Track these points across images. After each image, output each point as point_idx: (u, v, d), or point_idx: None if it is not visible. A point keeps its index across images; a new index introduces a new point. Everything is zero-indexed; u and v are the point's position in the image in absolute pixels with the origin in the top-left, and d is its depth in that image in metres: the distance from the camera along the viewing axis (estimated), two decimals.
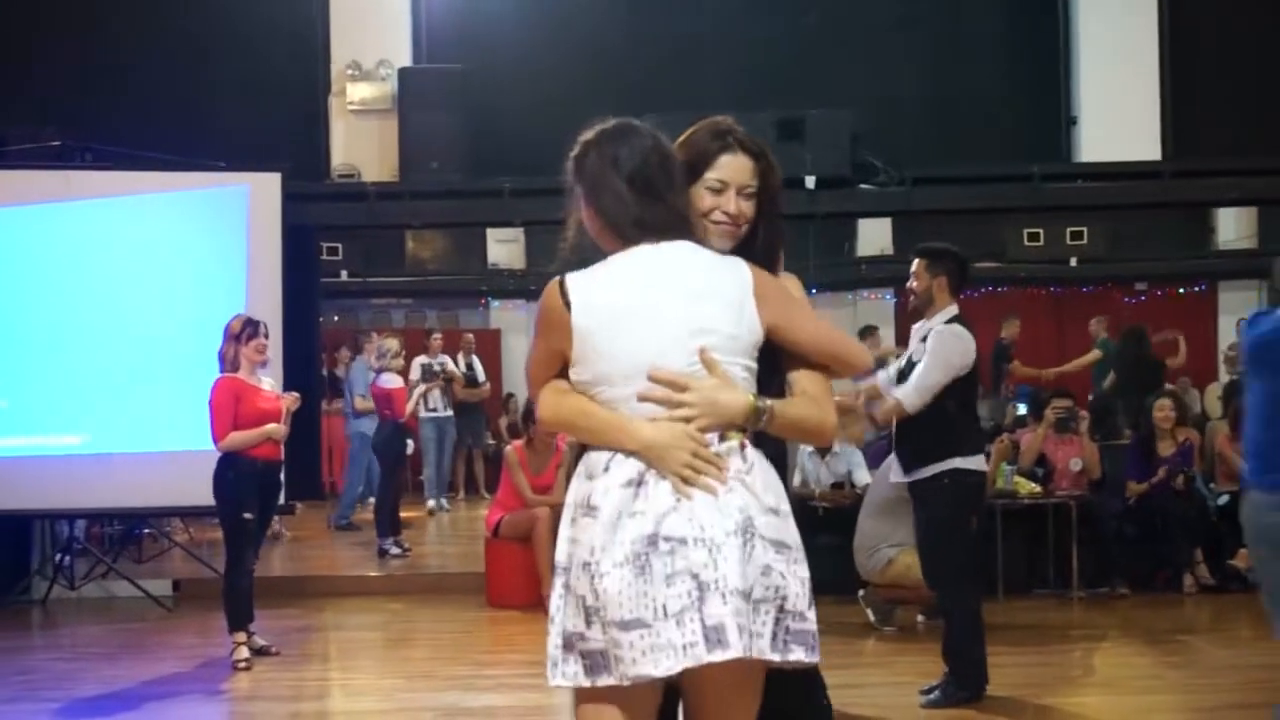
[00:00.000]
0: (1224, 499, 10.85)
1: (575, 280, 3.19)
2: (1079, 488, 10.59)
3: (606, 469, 3.13)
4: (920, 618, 9.41)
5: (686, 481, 3.05)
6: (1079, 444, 10.78)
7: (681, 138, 3.47)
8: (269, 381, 8.78)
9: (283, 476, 8.78)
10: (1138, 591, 10.44)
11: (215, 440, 8.35)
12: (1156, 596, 10.41)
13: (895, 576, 9.21)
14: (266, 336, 8.63)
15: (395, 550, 12.39)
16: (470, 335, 17.50)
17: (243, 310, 8.95)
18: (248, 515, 8.38)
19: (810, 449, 10.54)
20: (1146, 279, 19.23)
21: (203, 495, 8.66)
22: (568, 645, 3.12)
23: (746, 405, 3.15)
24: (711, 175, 3.42)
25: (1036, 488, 10.43)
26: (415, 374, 14.69)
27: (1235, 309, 18.86)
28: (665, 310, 3.13)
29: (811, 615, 3.14)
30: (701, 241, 3.27)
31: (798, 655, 3.10)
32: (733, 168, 3.45)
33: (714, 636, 2.96)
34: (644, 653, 2.98)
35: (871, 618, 9.38)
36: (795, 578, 3.12)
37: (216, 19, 13.37)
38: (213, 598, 9.16)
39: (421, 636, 9.34)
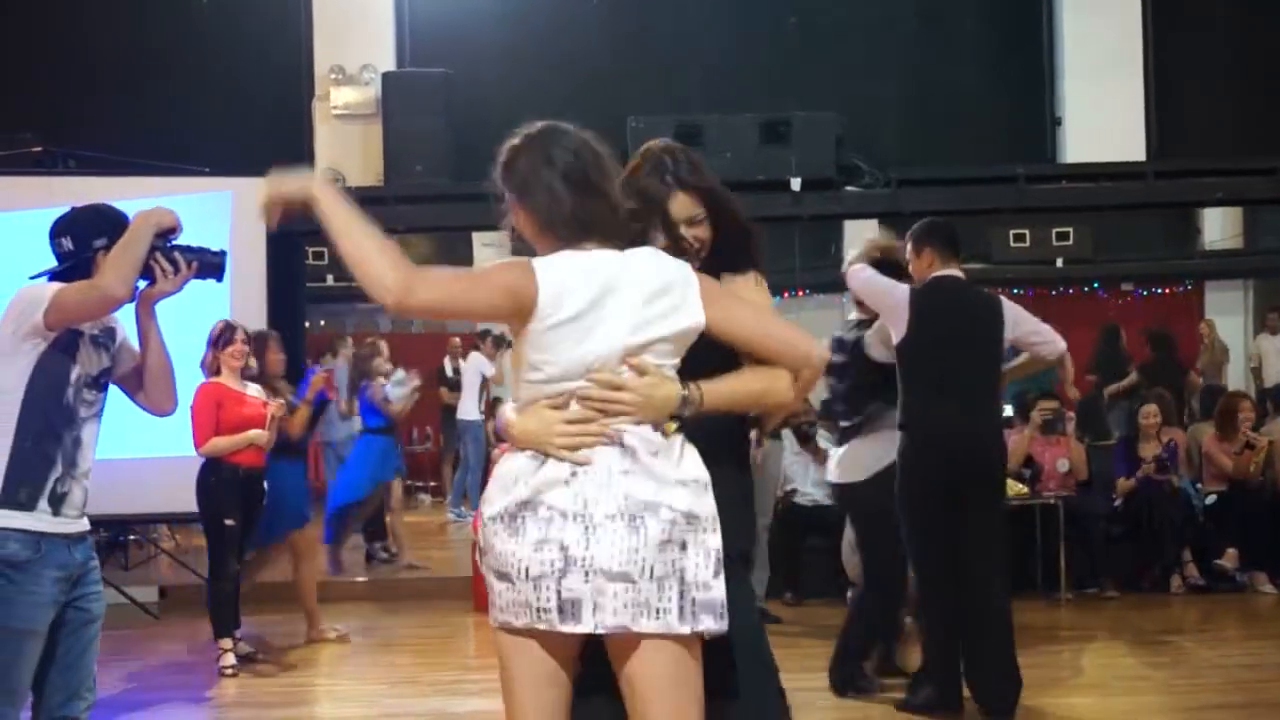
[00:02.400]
0: (1211, 499, 10.87)
1: (543, 271, 3.26)
2: (1066, 489, 10.59)
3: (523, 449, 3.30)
4: (908, 619, 9.39)
5: (571, 453, 3.21)
6: (1066, 445, 10.78)
7: (625, 173, 3.61)
8: (255, 388, 8.76)
9: (266, 484, 8.75)
10: (1125, 592, 10.45)
11: (196, 446, 8.33)
12: (1144, 597, 10.42)
13: None
14: (246, 342, 8.60)
15: (383, 555, 12.37)
16: (457, 339, 17.48)
17: (228, 316, 8.91)
18: (229, 521, 8.36)
19: (796, 450, 10.52)
20: (1133, 279, 19.27)
21: (188, 501, 8.65)
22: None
23: (675, 394, 3.28)
24: (670, 214, 3.62)
25: (1024, 489, 10.43)
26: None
27: (1222, 309, 18.92)
28: (610, 315, 3.23)
29: (718, 583, 3.23)
30: (643, 239, 3.40)
31: (707, 624, 3.23)
32: (678, 205, 3.65)
33: (568, 609, 3.17)
34: (508, 604, 3.25)
35: None
36: (700, 548, 3.21)
37: (198, 25, 13.32)
38: (199, 604, 9.14)
39: (407, 642, 9.32)
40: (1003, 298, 7.13)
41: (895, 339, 6.90)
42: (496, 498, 3.27)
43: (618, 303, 3.24)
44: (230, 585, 8.56)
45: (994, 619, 6.72)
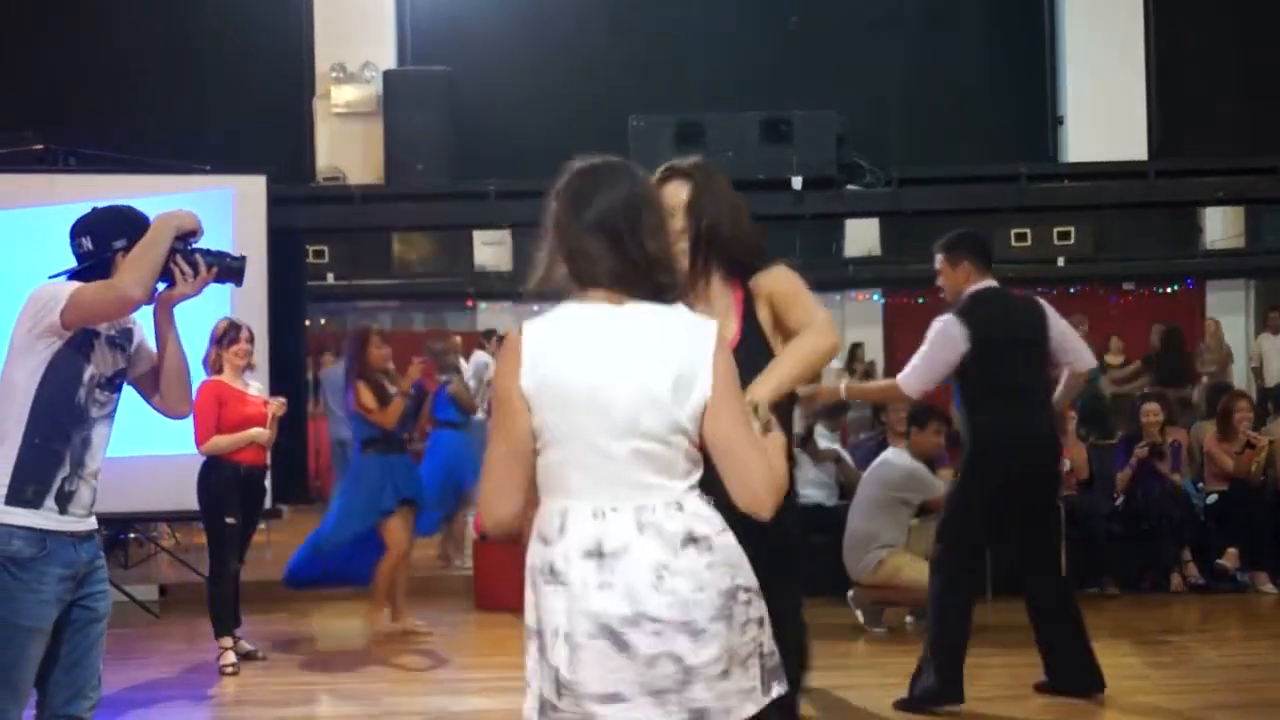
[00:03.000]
0: (1212, 499, 10.86)
1: (530, 344, 3.15)
2: (1068, 488, 10.57)
3: (562, 531, 3.12)
4: (909, 618, 9.39)
5: None
6: (1067, 445, 10.77)
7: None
8: (257, 385, 8.77)
9: (269, 482, 8.74)
10: (1126, 591, 10.44)
11: (197, 444, 8.33)
12: (1145, 596, 10.40)
13: (885, 577, 9.22)
14: (250, 340, 8.61)
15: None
16: (458, 338, 17.47)
17: (228, 314, 8.91)
18: (230, 520, 8.36)
19: (796, 450, 10.51)
20: (1134, 278, 19.28)
21: (189, 500, 8.64)
22: (543, 710, 3.16)
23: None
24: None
25: None
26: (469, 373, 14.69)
27: (1223, 308, 18.92)
28: (609, 392, 3.06)
29: (772, 645, 3.16)
30: (672, 295, 3.18)
31: (777, 690, 3.16)
32: (668, 193, 3.88)
33: (695, 717, 2.99)
34: None
35: (861, 619, 9.38)
36: (760, 617, 3.13)
37: (199, 23, 13.33)
38: (199, 603, 9.13)
39: (409, 640, 9.30)
40: (1041, 300, 7.31)
41: (950, 362, 6.95)
42: (575, 608, 3.09)
43: (604, 382, 3.10)
44: (231, 584, 8.55)
45: (1073, 608, 7.18)
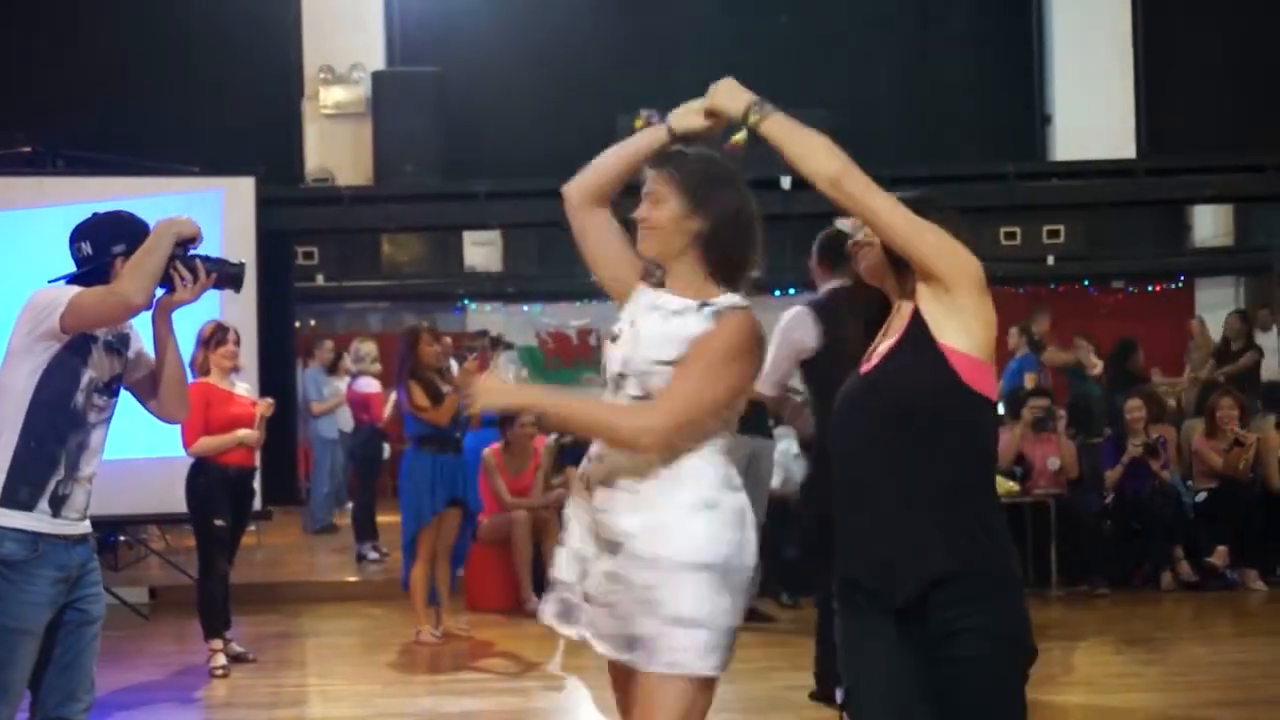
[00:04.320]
0: (1201, 497, 10.88)
1: None
2: (1057, 486, 10.60)
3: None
4: None
5: None
6: (1056, 443, 10.79)
7: None
8: (244, 387, 8.76)
9: (257, 483, 8.73)
10: (1116, 590, 10.45)
11: (185, 446, 8.32)
12: (1135, 594, 10.42)
13: None
14: (237, 343, 8.61)
15: (373, 555, 12.35)
16: (448, 339, 17.42)
17: (218, 316, 8.90)
18: (219, 521, 8.35)
19: (796, 451, 10.50)
20: (1123, 277, 19.27)
21: (178, 502, 8.63)
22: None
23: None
24: None
25: (1015, 486, 10.43)
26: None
27: (1212, 306, 18.92)
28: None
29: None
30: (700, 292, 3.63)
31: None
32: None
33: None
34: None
35: None
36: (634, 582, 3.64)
37: (188, 24, 13.31)
38: (190, 605, 9.12)
39: (399, 641, 9.29)
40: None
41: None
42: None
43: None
44: (221, 586, 8.54)
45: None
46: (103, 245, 4.49)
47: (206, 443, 8.33)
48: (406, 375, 9.19)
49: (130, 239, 4.45)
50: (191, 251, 4.45)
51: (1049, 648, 8.44)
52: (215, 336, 8.51)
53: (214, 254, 4.56)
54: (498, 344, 14.42)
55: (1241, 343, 15.12)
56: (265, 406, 8.59)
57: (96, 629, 4.48)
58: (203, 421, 8.25)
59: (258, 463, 8.84)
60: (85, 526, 4.44)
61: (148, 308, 4.40)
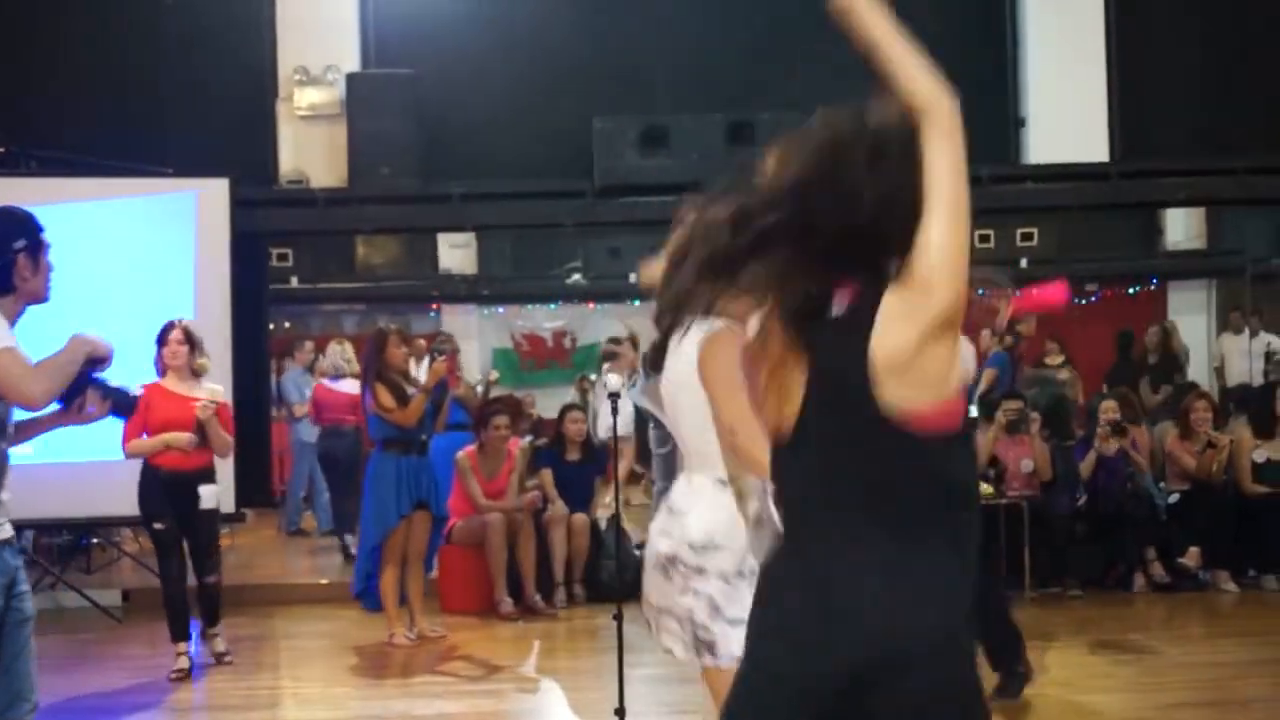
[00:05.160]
0: (1174, 498, 10.93)
1: None
2: (1031, 489, 10.63)
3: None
4: None
5: None
6: (1030, 445, 10.82)
7: None
8: (210, 388, 8.58)
9: (207, 486, 8.46)
10: (1089, 591, 10.49)
11: (122, 447, 8.29)
12: (1108, 596, 10.46)
13: None
14: (182, 342, 8.43)
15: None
16: (422, 341, 17.40)
17: (192, 318, 8.87)
18: (157, 525, 8.32)
19: None
20: (1097, 280, 19.33)
21: None
22: None
23: None
24: None
25: (988, 489, 10.46)
26: None
27: (1184, 309, 19.01)
28: None
29: (708, 622, 4.01)
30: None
31: (707, 659, 4.02)
32: None
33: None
34: None
35: None
36: (698, 590, 4.03)
37: (162, 26, 13.25)
38: (160, 607, 9.08)
39: (372, 644, 9.28)
40: None
41: None
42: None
43: None
44: (175, 588, 8.45)
45: None
46: (4, 242, 4.48)
47: (136, 445, 8.28)
48: (373, 377, 9.17)
49: (27, 235, 4.49)
50: (96, 374, 4.51)
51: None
52: (161, 336, 8.46)
53: (137, 392, 4.66)
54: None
55: (1157, 356, 15.22)
56: (202, 410, 8.33)
57: (32, 626, 4.51)
58: (141, 423, 8.16)
59: (213, 463, 8.59)
60: (10, 530, 4.48)
61: (36, 410, 4.51)
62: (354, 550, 12.21)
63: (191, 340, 8.51)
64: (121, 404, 4.60)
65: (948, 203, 2.69)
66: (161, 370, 8.44)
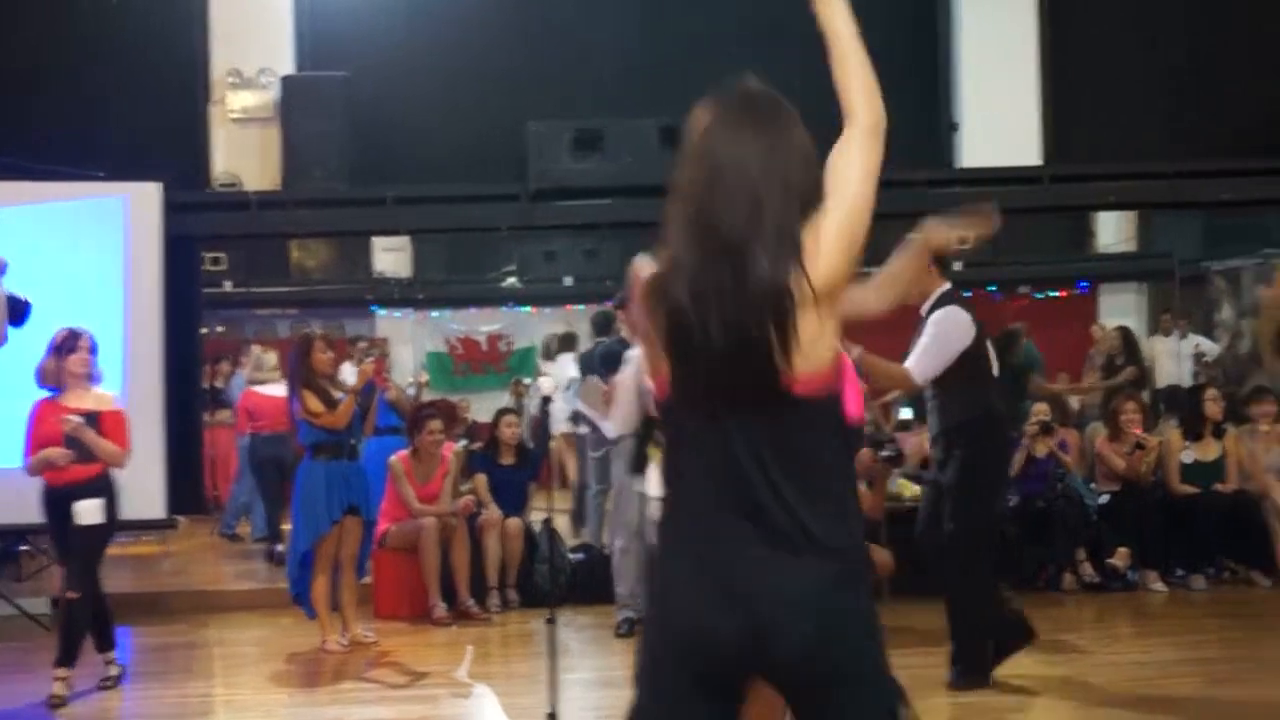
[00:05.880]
0: (1104, 499, 11.04)
1: None
2: None
3: None
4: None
5: None
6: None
7: None
8: (102, 395, 8.23)
9: (85, 501, 7.92)
10: (1020, 591, 10.56)
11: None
12: (1038, 596, 10.52)
13: None
14: (92, 350, 8.12)
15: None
16: (354, 344, 17.35)
17: (122, 323, 8.77)
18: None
19: None
20: (1029, 282, 19.53)
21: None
22: None
23: None
24: None
25: (921, 491, 10.54)
26: None
27: (1114, 311, 19.22)
28: None
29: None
30: None
31: None
32: None
33: None
34: None
35: None
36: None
37: (92, 27, 13.12)
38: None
39: (305, 650, 9.23)
40: None
41: (957, 352, 7.28)
42: None
43: None
44: (62, 605, 8.17)
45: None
46: None
47: (30, 462, 8.02)
48: (299, 383, 9.11)
49: None
50: None
51: None
52: (67, 343, 8.05)
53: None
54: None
55: (1123, 358, 15.37)
56: (67, 424, 7.91)
57: None
58: (33, 439, 7.97)
59: (101, 477, 8.07)
60: None
61: None
62: (284, 556, 12.18)
63: (95, 348, 8.19)
64: (15, 311, 4.54)
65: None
66: (52, 379, 8.08)
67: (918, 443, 10.86)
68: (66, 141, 12.10)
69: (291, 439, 12.93)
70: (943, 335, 7.25)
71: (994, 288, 19.42)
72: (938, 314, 7.31)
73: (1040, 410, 11.20)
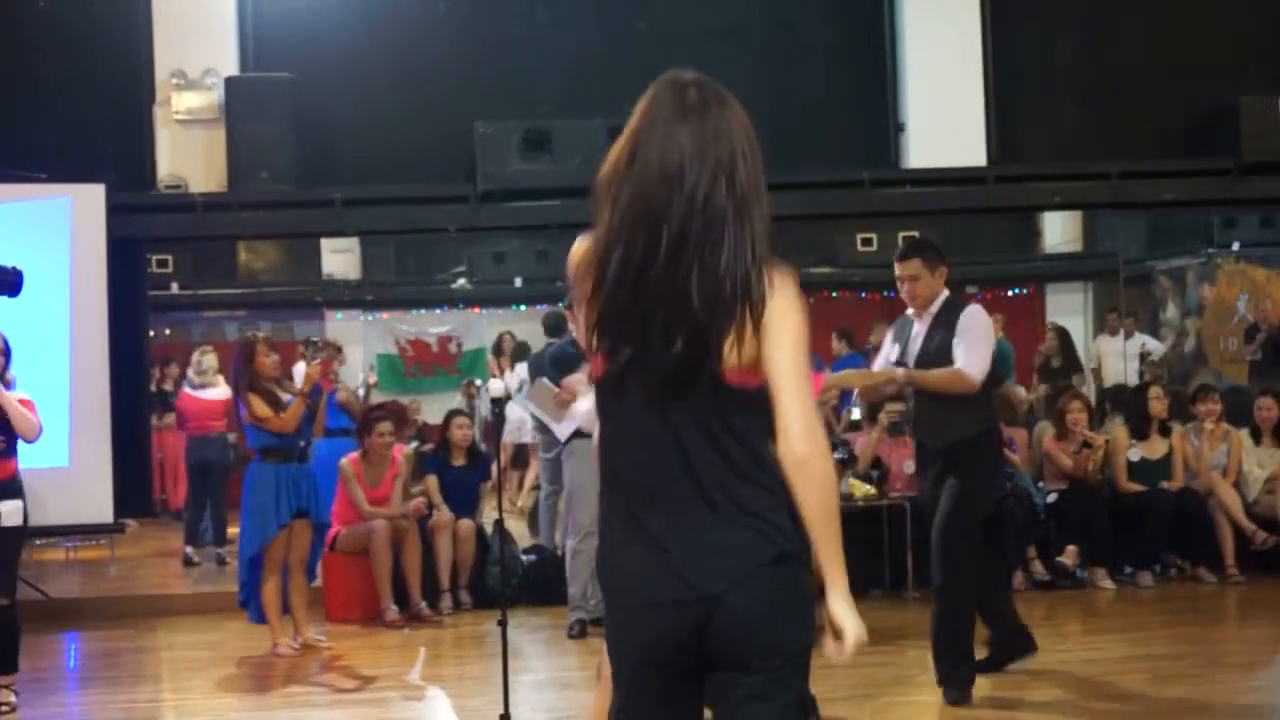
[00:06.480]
0: (1052, 497, 11.10)
1: None
2: (913, 490, 10.74)
3: None
4: None
5: None
6: (911, 446, 10.94)
7: None
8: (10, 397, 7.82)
9: (9, 502, 7.61)
10: None
11: None
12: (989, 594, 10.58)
13: None
14: (3, 353, 7.86)
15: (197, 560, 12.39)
16: (311, 345, 17.27)
17: (67, 327, 8.67)
18: None
19: None
20: (976, 282, 19.61)
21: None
22: None
23: None
24: None
25: (872, 490, 10.58)
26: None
27: (1061, 311, 19.35)
28: None
29: None
30: None
31: None
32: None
33: None
34: None
35: None
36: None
37: (34, 28, 12.99)
38: (39, 619, 8.95)
39: (256, 654, 9.18)
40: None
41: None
42: None
43: None
44: None
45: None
46: None
47: None
48: (244, 387, 9.04)
49: None
50: None
51: (906, 648, 8.60)
52: None
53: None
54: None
55: (1060, 360, 15.51)
56: None
57: None
58: None
59: (12, 478, 7.75)
60: None
61: None
62: (228, 560, 12.13)
63: (9, 351, 7.95)
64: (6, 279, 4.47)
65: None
66: None
67: (868, 444, 10.92)
68: (9, 143, 11.98)
69: (222, 442, 12.92)
70: (982, 330, 7.25)
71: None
72: (967, 313, 7.28)
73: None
